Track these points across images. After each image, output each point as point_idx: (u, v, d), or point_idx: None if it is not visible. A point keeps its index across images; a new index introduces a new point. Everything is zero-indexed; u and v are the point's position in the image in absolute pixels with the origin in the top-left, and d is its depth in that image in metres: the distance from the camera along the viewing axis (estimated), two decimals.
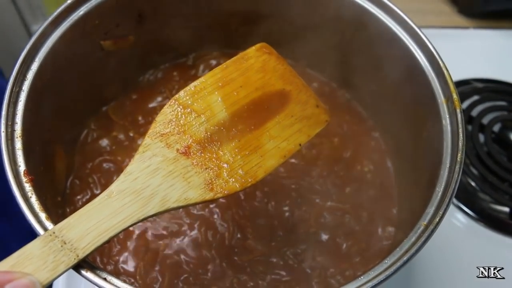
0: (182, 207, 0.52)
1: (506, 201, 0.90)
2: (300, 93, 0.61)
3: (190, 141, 0.55)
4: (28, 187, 0.55)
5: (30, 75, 0.63)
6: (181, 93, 0.57)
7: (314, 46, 0.85)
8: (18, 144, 0.58)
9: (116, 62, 0.81)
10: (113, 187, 0.51)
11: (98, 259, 0.70)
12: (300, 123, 0.59)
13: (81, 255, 0.47)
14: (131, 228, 0.71)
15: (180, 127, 0.55)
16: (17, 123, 0.60)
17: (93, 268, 0.49)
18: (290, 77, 0.62)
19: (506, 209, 0.90)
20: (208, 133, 0.56)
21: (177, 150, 0.54)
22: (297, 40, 0.86)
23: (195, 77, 0.89)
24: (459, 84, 1.04)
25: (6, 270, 0.43)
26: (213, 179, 0.53)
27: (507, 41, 1.16)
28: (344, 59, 0.84)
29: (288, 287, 0.68)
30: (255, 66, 0.61)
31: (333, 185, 0.77)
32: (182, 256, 0.70)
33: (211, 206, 0.73)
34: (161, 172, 0.52)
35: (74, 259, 0.46)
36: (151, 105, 0.85)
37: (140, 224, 0.71)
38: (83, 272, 0.48)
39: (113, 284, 0.48)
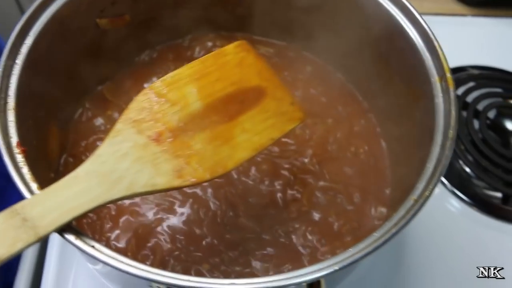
0: (150, 193, 0.52)
1: (500, 186, 0.90)
2: (276, 90, 0.62)
3: (162, 128, 0.55)
4: (20, 158, 0.55)
5: (24, 49, 0.63)
6: (157, 82, 0.57)
7: (309, 27, 0.85)
8: (11, 117, 0.58)
9: (112, 41, 0.81)
10: (81, 169, 0.51)
11: (90, 236, 0.70)
12: (274, 118, 0.60)
13: (42, 233, 0.46)
14: (123, 205, 0.72)
15: (153, 114, 0.55)
16: (10, 96, 0.60)
17: (79, 235, 0.49)
18: (267, 75, 0.63)
19: (499, 194, 0.91)
20: (181, 122, 0.56)
21: (148, 136, 0.54)
22: (293, 22, 0.86)
23: (191, 59, 0.89)
24: (455, 70, 1.05)
25: None
26: (182, 167, 0.53)
27: (504, 29, 1.16)
28: (339, 41, 0.83)
29: (279, 264, 0.68)
30: (232, 61, 0.61)
31: (326, 165, 0.77)
32: (174, 233, 0.70)
33: (204, 184, 0.73)
34: (130, 157, 0.52)
35: (34, 236, 0.45)
36: (146, 85, 0.85)
37: (132, 201, 0.72)
38: (67, 236, 0.48)
39: (101, 252, 0.48)
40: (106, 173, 0.51)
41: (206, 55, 0.61)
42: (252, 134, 0.58)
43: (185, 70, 0.59)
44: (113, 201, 0.50)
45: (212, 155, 0.55)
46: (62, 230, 0.48)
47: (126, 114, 0.55)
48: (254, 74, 0.61)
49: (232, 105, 0.58)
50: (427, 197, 0.53)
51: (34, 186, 0.53)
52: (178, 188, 0.54)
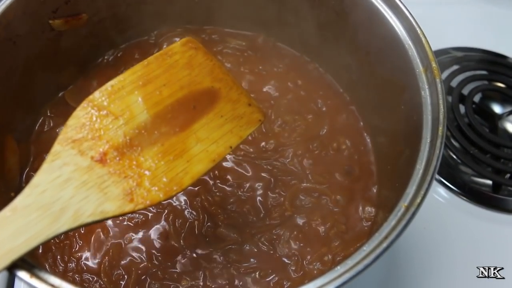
0: (99, 221, 0.47)
1: (489, 173, 0.87)
2: (230, 90, 0.57)
3: (107, 147, 0.49)
4: None
5: None
6: (96, 93, 0.51)
7: (283, 18, 0.80)
8: None
9: (71, 43, 0.75)
10: (17, 202, 0.45)
11: (58, 257, 0.65)
12: (230, 123, 0.55)
13: None
14: None
15: (94, 131, 0.50)
16: None
17: (35, 270, 0.44)
18: (219, 74, 0.57)
19: (489, 182, 0.87)
20: (127, 137, 0.50)
21: (92, 157, 0.48)
22: (264, 12, 0.81)
23: None
24: (437, 53, 1.00)
25: None
26: (133, 189, 0.48)
27: (487, 8, 1.12)
28: (316, 31, 0.78)
29: (263, 276, 0.64)
30: (180, 62, 0.56)
31: (308, 165, 0.73)
32: (149, 249, 0.66)
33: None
34: (73, 183, 0.47)
35: None
36: None
37: None
38: (19, 274, 0.43)
39: None
40: (47, 204, 0.45)
41: (150, 57, 0.55)
42: (208, 143, 0.53)
43: (127, 77, 0.53)
44: (59, 235, 0.45)
45: (166, 172, 0.50)
46: (13, 266, 0.43)
47: (64, 133, 0.49)
48: (205, 74, 0.56)
49: (183, 112, 0.53)
50: (419, 204, 0.49)
51: None
52: (131, 213, 0.49)
